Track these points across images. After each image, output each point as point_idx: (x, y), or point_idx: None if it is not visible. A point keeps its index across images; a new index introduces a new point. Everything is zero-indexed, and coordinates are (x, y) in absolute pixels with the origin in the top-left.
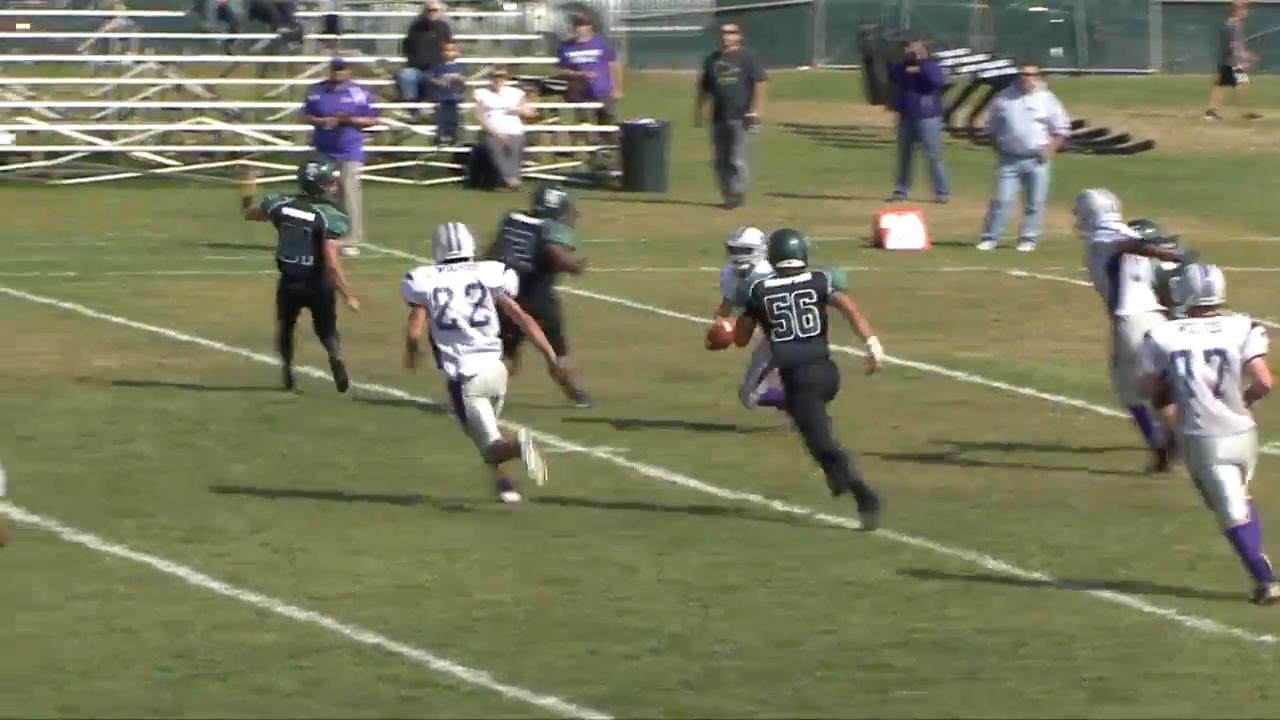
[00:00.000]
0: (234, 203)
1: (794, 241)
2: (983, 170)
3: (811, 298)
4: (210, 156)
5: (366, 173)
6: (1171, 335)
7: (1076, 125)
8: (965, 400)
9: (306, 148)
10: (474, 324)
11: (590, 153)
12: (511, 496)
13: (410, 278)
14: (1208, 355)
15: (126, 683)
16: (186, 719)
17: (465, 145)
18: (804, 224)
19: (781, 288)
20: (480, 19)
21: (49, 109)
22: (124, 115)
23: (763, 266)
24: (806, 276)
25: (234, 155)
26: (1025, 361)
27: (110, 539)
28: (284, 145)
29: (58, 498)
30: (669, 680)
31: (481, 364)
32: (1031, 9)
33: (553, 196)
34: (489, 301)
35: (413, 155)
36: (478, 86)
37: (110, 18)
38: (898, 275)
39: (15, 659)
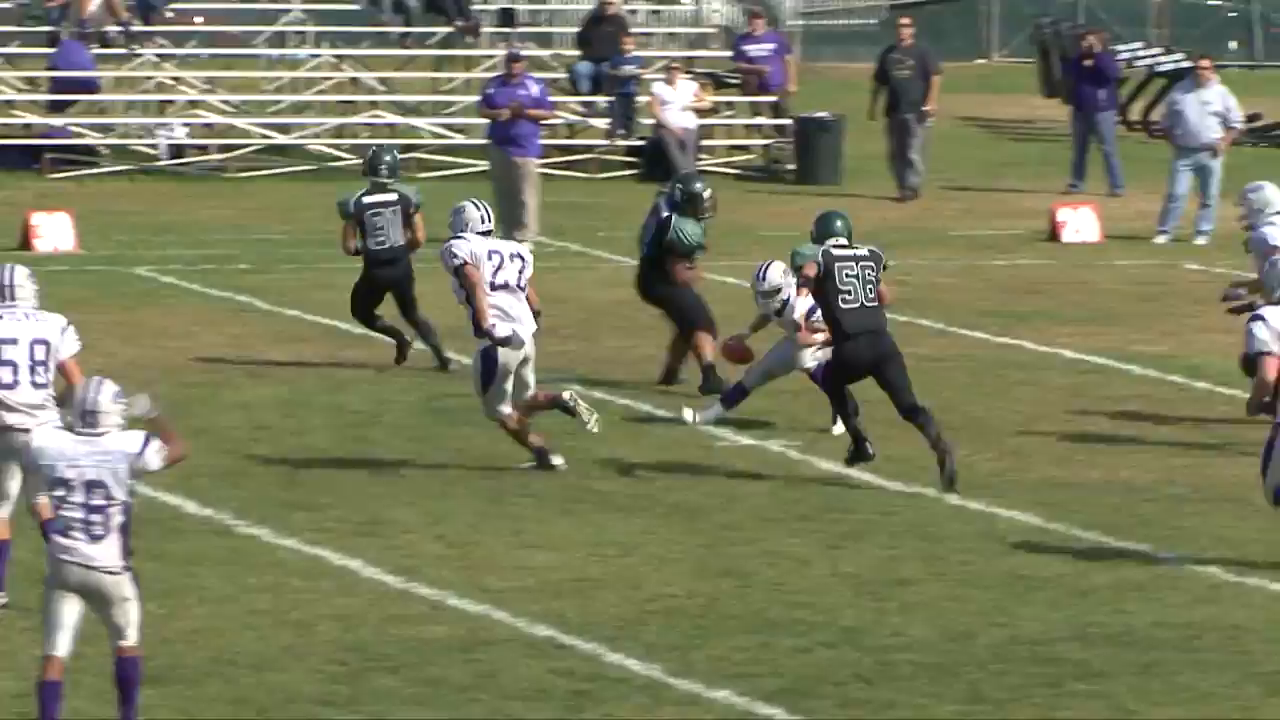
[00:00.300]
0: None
1: (839, 222)
2: (1157, 164)
3: (874, 269)
4: None
5: (542, 166)
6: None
7: (1252, 119)
8: (1140, 394)
9: (482, 141)
10: (520, 288)
11: (765, 146)
12: (558, 460)
13: (455, 243)
14: None
15: (299, 676)
16: (359, 713)
17: (640, 138)
18: (979, 218)
19: (848, 257)
20: (656, 12)
21: (224, 102)
22: (299, 108)
23: (800, 302)
24: (866, 250)
25: (409, 149)
26: (1199, 355)
27: (284, 532)
28: (459, 139)
29: (231, 491)
30: (841, 673)
31: (527, 326)
32: (1208, 2)
33: (679, 190)
34: (528, 270)
35: (587, 148)
36: (653, 80)
37: (285, 11)
38: (1072, 269)
39: (188, 651)
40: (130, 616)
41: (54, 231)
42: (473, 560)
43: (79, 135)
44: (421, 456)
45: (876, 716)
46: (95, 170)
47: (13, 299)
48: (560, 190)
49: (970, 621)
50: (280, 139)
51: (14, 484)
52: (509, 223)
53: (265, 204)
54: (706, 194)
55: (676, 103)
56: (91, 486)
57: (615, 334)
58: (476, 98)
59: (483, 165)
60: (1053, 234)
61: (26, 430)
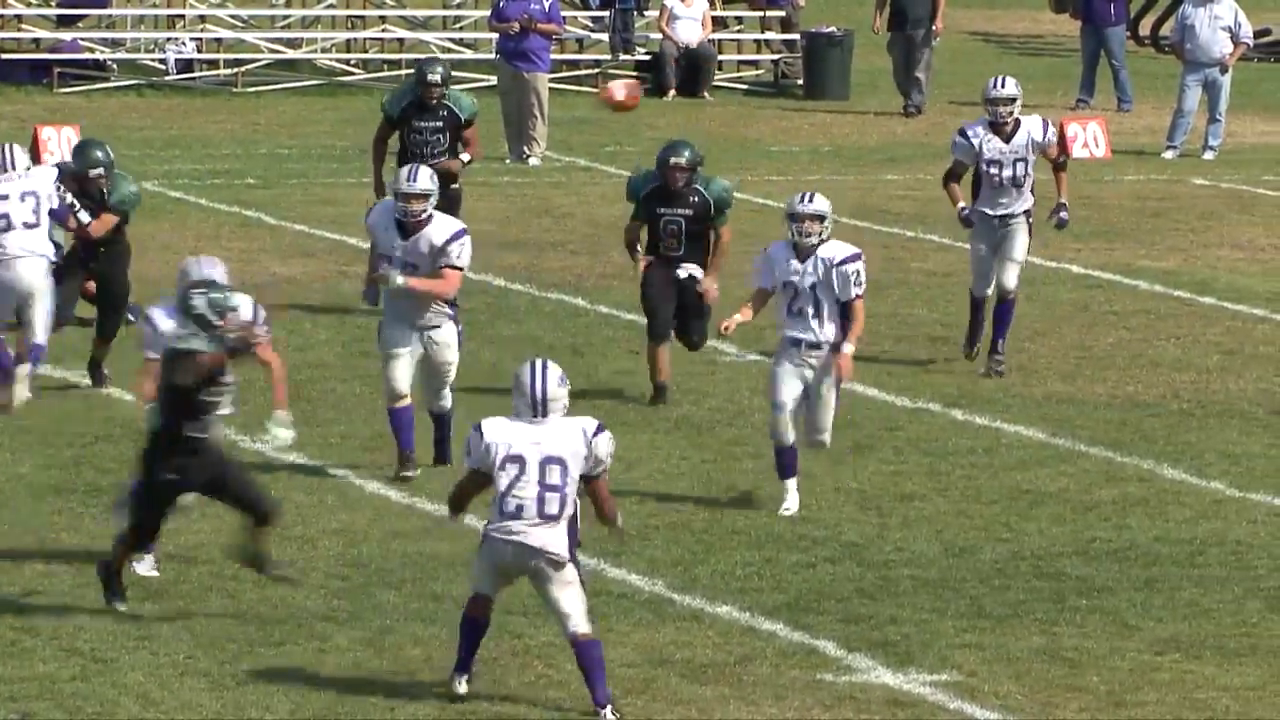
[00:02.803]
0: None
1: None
2: (1166, 79)
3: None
4: (394, 64)
5: (551, 81)
6: None
7: (1261, 34)
8: (1146, 309)
9: (491, 56)
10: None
11: (773, 61)
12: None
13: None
14: None
15: (301, 591)
16: (361, 628)
17: (647, 53)
18: None
19: None
20: None
21: (233, 17)
22: (308, 23)
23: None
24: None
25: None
26: (1206, 270)
27: (289, 447)
28: (468, 54)
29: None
30: (844, 589)
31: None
32: None
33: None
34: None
35: (595, 63)
36: None
37: None
38: (1080, 184)
39: (190, 566)
40: (575, 603)
41: (62, 146)
42: None
43: (88, 50)
44: None
45: (878, 631)
46: (104, 85)
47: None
48: (568, 105)
49: (973, 536)
50: (289, 54)
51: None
52: (518, 138)
53: (273, 119)
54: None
55: (687, 17)
56: (548, 464)
57: (622, 249)
58: (486, 12)
59: (491, 80)
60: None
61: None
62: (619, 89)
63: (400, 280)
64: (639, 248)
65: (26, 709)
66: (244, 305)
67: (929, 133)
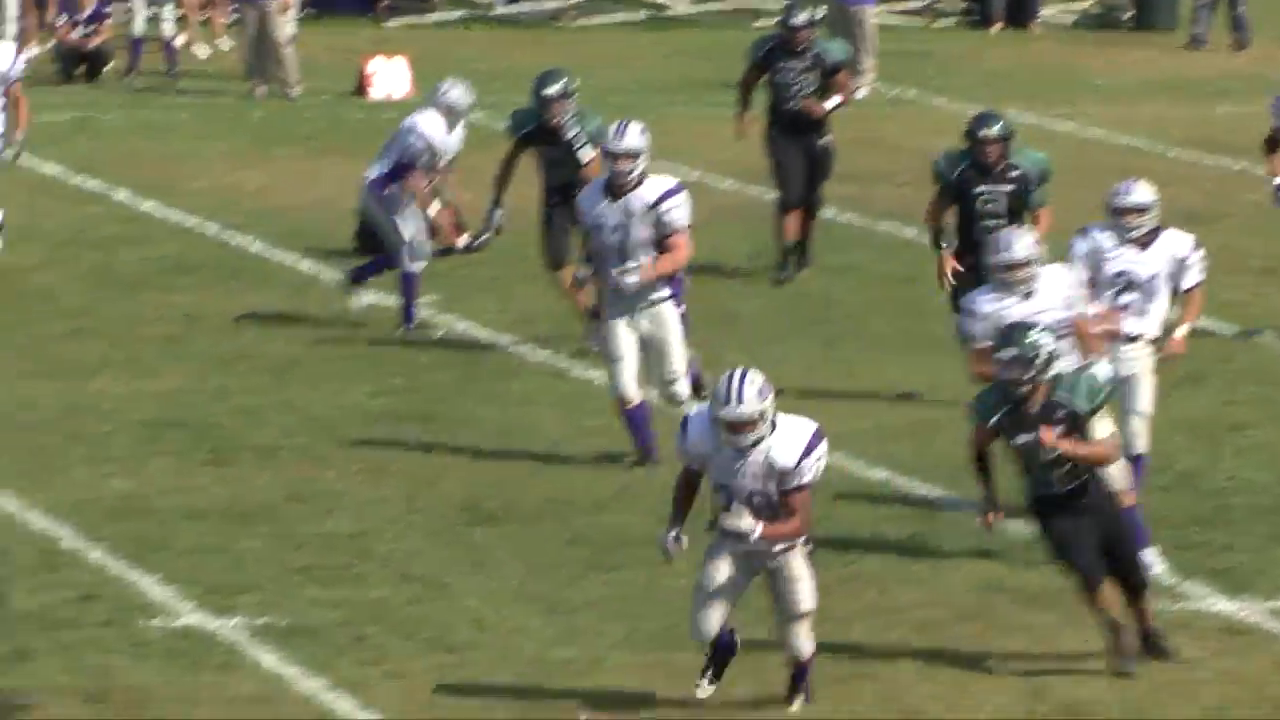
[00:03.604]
0: (737, 47)
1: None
2: None
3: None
4: None
5: (877, 14)
6: None
7: None
8: None
9: None
10: None
11: None
12: None
13: None
14: None
15: (633, 517)
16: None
17: None
18: None
19: None
20: None
21: None
22: None
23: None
24: None
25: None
26: None
27: None
28: None
29: (563, 330)
30: (1178, 516)
31: None
32: None
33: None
34: None
35: None
36: None
37: None
38: None
39: (525, 492)
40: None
41: (389, 77)
42: (807, 405)
43: None
44: (755, 301)
45: (1213, 559)
46: (429, 18)
47: None
48: (896, 38)
49: None
50: None
51: None
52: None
53: (598, 52)
54: None
55: None
56: None
57: None
58: None
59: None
60: None
61: None
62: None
63: (631, 279)
64: (945, 236)
65: (38, 695)
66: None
67: (1260, 64)
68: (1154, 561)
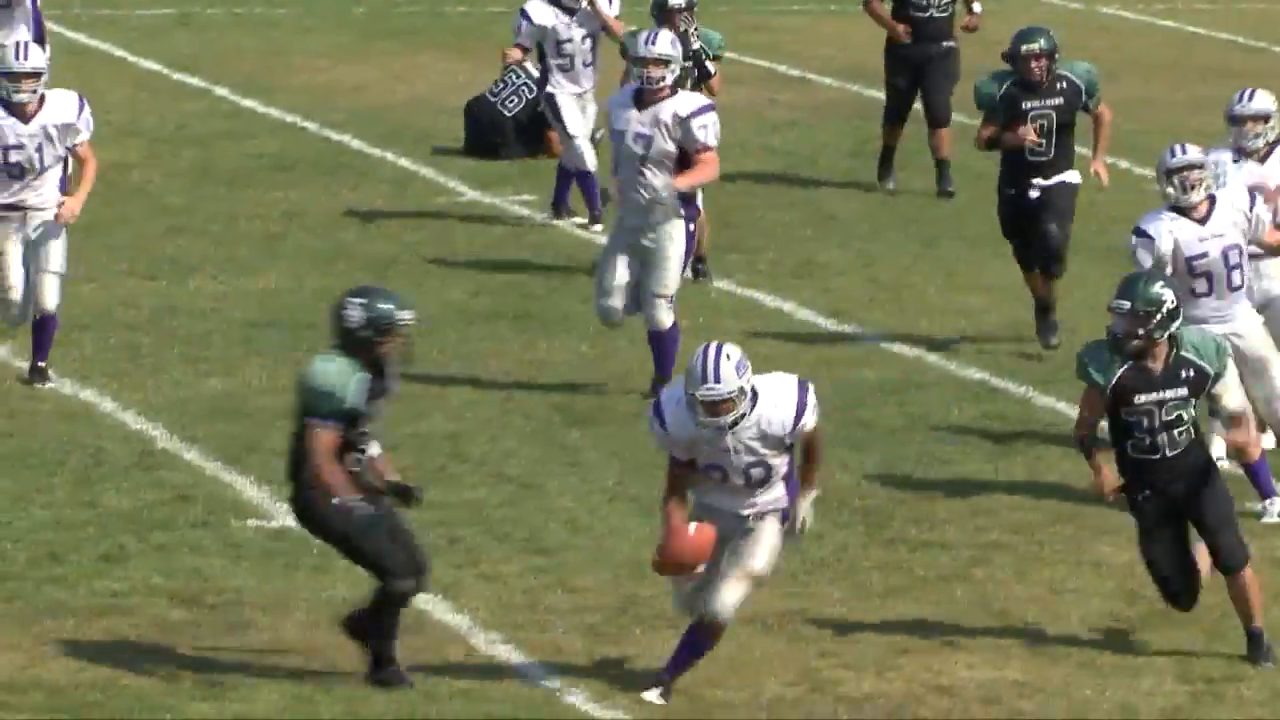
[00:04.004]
0: None
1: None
2: None
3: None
4: None
5: None
6: None
7: None
8: None
9: None
10: None
11: None
12: None
13: None
14: None
15: None
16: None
17: None
18: None
19: None
20: None
21: None
22: None
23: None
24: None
25: None
26: None
27: (718, 274)
28: None
29: None
30: None
31: None
32: None
33: None
34: None
35: None
36: None
37: None
38: None
39: (621, 393)
40: None
41: None
42: (904, 303)
43: None
44: (855, 200)
45: None
46: None
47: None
48: None
49: None
50: None
51: None
52: None
53: None
54: None
55: None
56: None
57: None
58: None
59: None
60: None
61: None
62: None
63: (662, 187)
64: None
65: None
66: None
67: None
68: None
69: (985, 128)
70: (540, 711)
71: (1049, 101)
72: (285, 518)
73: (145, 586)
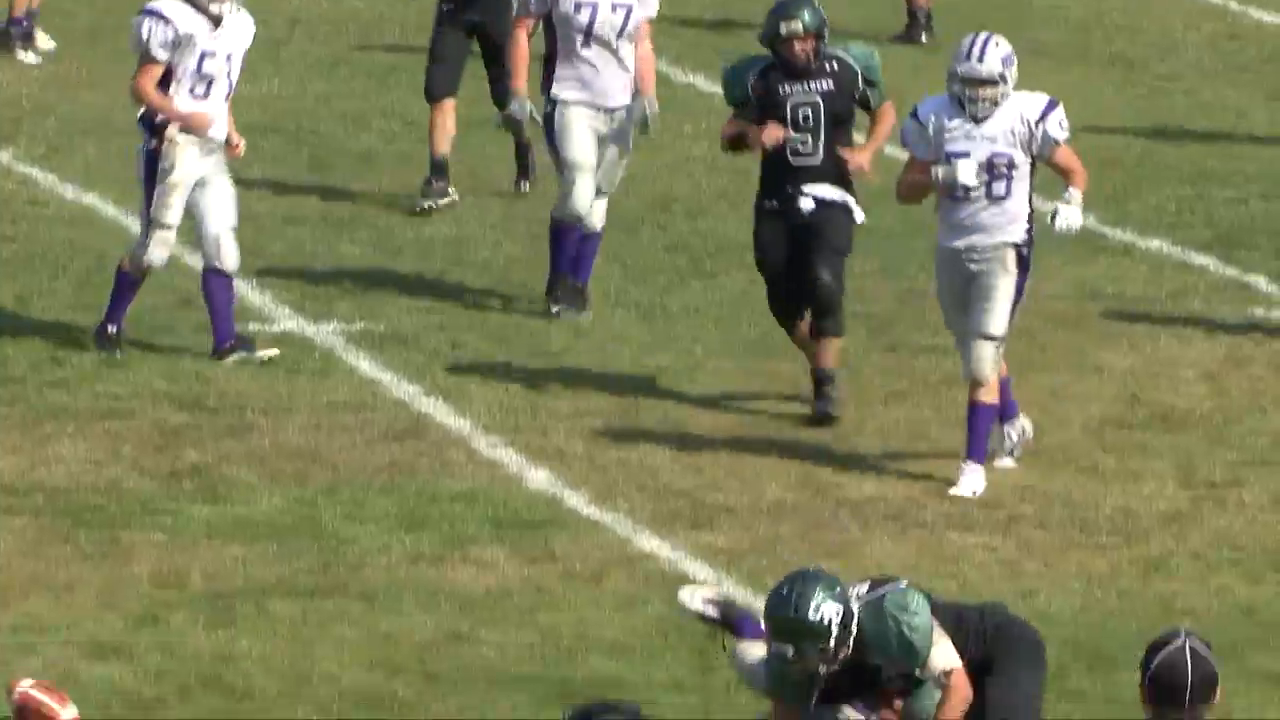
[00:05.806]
0: None
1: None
2: None
3: None
4: None
5: None
6: None
7: None
8: None
9: None
10: None
11: None
12: None
13: None
14: None
15: (734, 223)
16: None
17: None
18: None
19: None
20: None
21: None
22: None
23: None
24: None
25: None
26: None
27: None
28: None
29: (665, 41)
30: (1276, 223)
31: None
32: None
33: None
34: None
35: None
36: None
37: None
38: None
39: (624, 197)
40: None
41: None
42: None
43: None
44: None
45: None
46: None
47: None
48: None
49: None
50: None
51: None
52: None
53: None
54: None
55: None
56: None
57: None
58: None
59: None
60: None
61: None
62: None
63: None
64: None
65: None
66: None
67: None
68: None
69: (729, 124)
70: (541, 513)
71: (815, 85)
72: (287, 322)
73: (147, 390)
